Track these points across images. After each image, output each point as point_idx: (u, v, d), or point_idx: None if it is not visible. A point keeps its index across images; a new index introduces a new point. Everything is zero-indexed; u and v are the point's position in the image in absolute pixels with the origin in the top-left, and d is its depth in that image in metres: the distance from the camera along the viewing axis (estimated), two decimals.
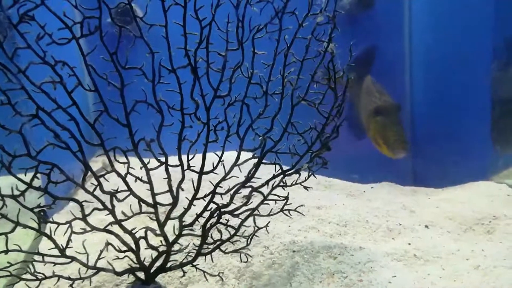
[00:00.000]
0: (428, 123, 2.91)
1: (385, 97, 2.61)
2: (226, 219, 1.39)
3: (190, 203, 1.32)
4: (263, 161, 1.38)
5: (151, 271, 1.36)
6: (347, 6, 2.83)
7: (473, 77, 2.67)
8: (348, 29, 2.88)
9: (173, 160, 1.27)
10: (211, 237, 1.38)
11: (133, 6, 2.51)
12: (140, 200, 1.28)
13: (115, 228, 1.28)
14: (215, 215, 1.37)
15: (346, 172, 2.66)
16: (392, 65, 2.91)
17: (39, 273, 1.24)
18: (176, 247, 1.36)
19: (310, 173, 1.45)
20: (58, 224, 1.23)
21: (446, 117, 2.79)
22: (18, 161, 1.12)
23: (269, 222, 1.52)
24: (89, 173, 1.21)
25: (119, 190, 1.24)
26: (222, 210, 1.37)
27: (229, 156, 1.32)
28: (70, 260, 1.26)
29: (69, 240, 1.23)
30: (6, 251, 1.18)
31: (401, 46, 2.96)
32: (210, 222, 1.37)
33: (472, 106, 2.69)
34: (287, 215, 1.45)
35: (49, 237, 1.22)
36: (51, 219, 1.24)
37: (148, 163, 1.25)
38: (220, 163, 1.31)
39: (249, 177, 1.37)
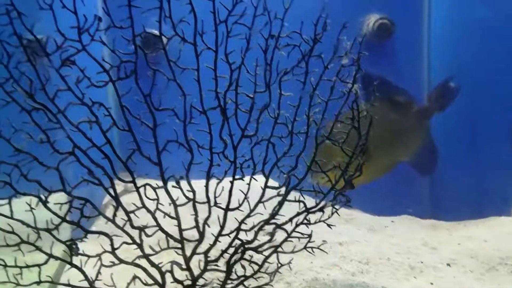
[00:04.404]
0: (447, 152, 2.88)
1: None
2: (250, 255, 1.41)
3: (216, 239, 1.35)
4: (287, 198, 1.40)
5: None
6: (366, 35, 2.85)
7: (495, 105, 2.65)
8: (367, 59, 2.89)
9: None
10: (235, 272, 1.41)
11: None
12: (168, 236, 1.31)
13: (142, 261, 1.31)
14: (239, 251, 1.39)
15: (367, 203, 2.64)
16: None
17: None
18: (201, 281, 1.39)
19: (333, 211, 1.46)
20: (89, 256, 1.27)
21: (466, 146, 2.76)
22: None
23: (292, 259, 1.53)
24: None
25: (148, 225, 1.28)
26: (246, 246, 1.39)
27: (254, 186, 1.35)
28: None
29: (98, 272, 1.27)
30: (39, 282, 1.22)
31: (421, 75, 2.95)
32: (234, 257, 1.39)
33: (495, 135, 2.67)
34: (310, 252, 1.47)
35: (80, 269, 1.26)
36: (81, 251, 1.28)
37: (177, 199, 1.29)
38: (246, 200, 1.35)
39: (273, 214, 1.40)
